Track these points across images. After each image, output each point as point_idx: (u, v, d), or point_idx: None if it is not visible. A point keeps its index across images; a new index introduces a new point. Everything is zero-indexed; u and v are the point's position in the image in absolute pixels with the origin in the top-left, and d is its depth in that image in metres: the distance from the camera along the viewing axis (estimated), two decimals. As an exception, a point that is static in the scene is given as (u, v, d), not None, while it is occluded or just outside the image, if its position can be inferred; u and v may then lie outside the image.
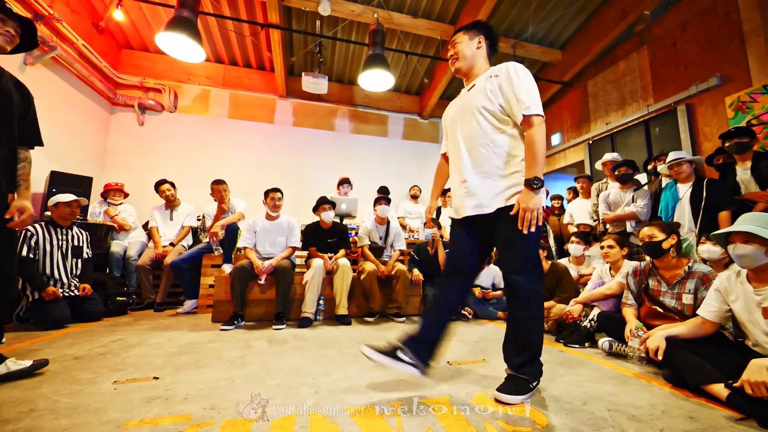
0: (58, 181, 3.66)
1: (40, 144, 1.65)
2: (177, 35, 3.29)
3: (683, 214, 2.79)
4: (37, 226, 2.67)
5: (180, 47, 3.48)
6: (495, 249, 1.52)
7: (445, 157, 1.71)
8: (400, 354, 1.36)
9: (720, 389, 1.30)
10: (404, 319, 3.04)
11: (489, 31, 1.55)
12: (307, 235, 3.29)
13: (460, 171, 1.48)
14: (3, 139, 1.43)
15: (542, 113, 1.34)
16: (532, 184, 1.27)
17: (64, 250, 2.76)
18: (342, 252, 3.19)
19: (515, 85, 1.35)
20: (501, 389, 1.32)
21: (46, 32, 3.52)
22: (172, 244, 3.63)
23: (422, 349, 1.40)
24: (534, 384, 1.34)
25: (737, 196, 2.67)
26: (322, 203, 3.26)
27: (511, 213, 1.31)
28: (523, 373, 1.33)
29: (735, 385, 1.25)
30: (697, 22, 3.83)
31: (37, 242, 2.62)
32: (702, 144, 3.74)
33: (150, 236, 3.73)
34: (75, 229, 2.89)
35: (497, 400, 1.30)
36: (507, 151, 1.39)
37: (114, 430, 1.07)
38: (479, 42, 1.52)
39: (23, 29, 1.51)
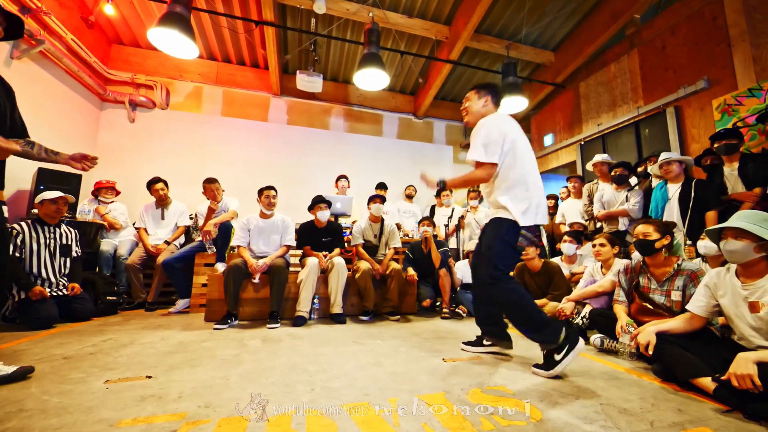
0: (46, 178, 3.57)
1: (26, 137, 1.61)
2: (170, 31, 3.23)
3: (672, 214, 2.85)
4: (23, 224, 2.60)
5: (173, 43, 3.43)
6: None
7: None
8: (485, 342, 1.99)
9: (708, 382, 1.34)
10: (399, 317, 3.05)
11: (495, 90, 1.91)
12: (301, 233, 3.27)
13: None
14: None
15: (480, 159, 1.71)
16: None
17: (51, 249, 2.69)
18: (337, 251, 3.17)
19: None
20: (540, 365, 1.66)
21: (33, 26, 3.43)
22: (166, 242, 3.57)
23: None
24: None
25: (724, 196, 2.74)
26: (318, 202, 3.24)
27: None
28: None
29: (722, 378, 1.28)
30: (685, 27, 3.92)
31: (23, 241, 2.56)
32: (690, 145, 3.83)
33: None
34: (63, 227, 2.83)
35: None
36: None
37: (106, 428, 1.05)
38: (486, 101, 1.88)
39: (7, 21, 1.47)
